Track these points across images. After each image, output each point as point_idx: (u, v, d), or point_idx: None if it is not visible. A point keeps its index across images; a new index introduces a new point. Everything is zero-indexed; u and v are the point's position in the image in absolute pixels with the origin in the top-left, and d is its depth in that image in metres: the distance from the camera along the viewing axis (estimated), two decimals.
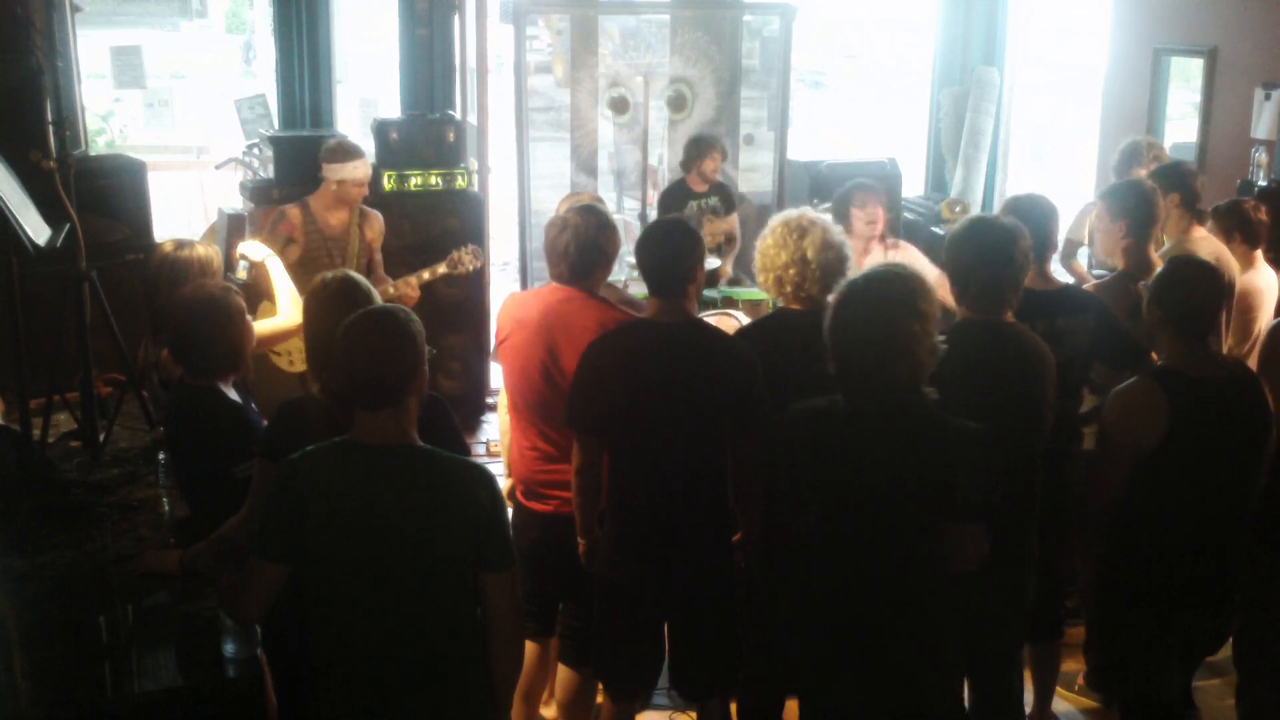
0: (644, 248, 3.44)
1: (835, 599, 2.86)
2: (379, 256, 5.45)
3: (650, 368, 3.31)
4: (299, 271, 4.71)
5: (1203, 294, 3.29)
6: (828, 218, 3.66)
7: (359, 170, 5.14)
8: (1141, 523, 3.31)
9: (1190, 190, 4.59)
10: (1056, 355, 3.46)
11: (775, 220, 3.63)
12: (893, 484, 2.76)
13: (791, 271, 3.51)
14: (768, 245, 3.57)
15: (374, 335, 2.55)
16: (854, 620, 2.84)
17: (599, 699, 3.71)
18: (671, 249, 3.39)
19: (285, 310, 4.18)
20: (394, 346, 2.56)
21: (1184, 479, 3.25)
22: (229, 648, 2.87)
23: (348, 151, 5.17)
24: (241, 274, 4.40)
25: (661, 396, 3.30)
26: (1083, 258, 6.07)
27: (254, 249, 4.49)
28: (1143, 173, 5.23)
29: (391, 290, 5.18)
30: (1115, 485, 3.31)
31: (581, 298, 3.64)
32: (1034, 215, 3.75)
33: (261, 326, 3.80)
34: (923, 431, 2.77)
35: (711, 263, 5.68)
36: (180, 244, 3.96)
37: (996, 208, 8.75)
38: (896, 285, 2.79)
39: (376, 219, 5.38)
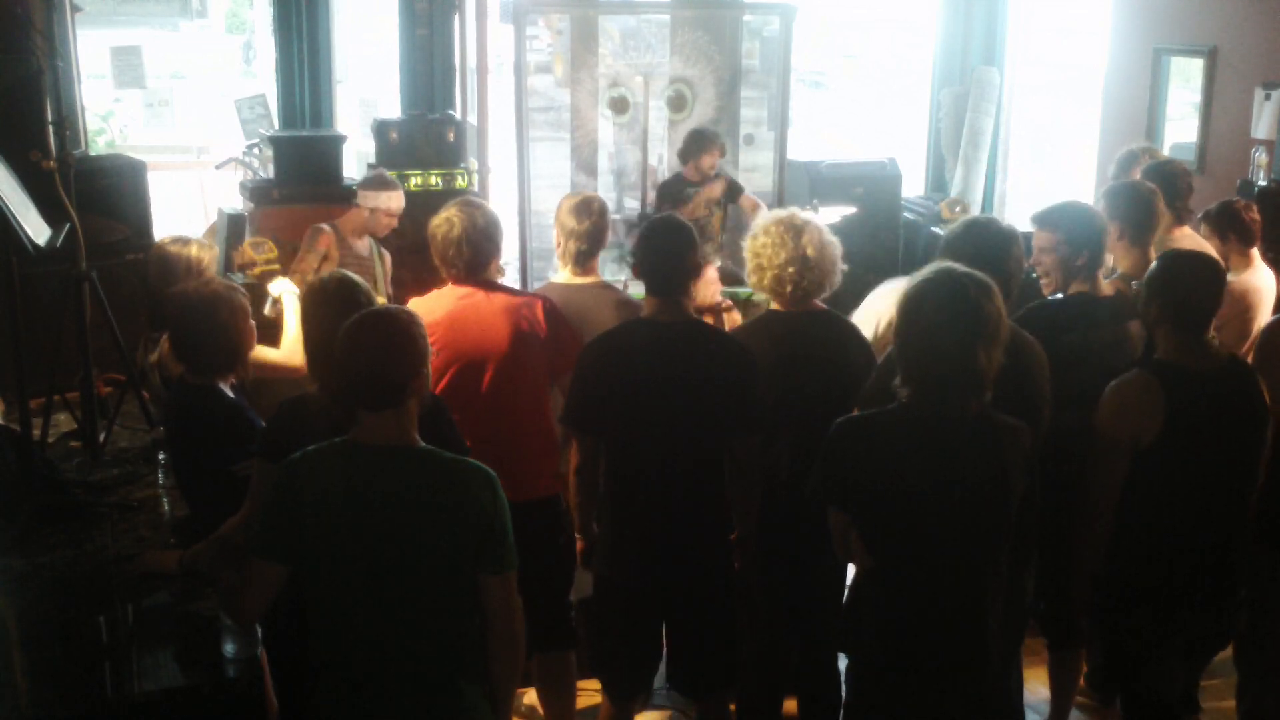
0: (643, 247, 3.43)
1: (902, 605, 2.86)
2: (391, 291, 5.57)
3: (649, 367, 3.31)
4: None
5: (1201, 286, 3.28)
6: (817, 215, 3.67)
7: (394, 200, 5.31)
8: (1141, 521, 3.30)
9: (1169, 187, 4.55)
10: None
11: (765, 220, 3.62)
12: (962, 488, 2.77)
13: (791, 270, 3.51)
14: (763, 244, 3.55)
15: (376, 336, 2.56)
16: (923, 632, 2.85)
17: (598, 699, 3.71)
18: (671, 249, 3.39)
19: (288, 347, 4.13)
20: (396, 347, 2.56)
21: (1182, 474, 3.25)
22: (229, 648, 2.87)
23: (388, 182, 5.40)
24: (268, 309, 4.34)
25: (660, 395, 3.30)
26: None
27: (280, 285, 4.40)
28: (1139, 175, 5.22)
29: None
30: (1114, 482, 3.31)
31: (481, 293, 3.73)
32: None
33: (263, 353, 3.81)
34: (986, 433, 2.79)
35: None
36: (176, 240, 3.96)
37: (996, 208, 8.81)
38: (966, 288, 2.75)
39: (388, 258, 5.52)
